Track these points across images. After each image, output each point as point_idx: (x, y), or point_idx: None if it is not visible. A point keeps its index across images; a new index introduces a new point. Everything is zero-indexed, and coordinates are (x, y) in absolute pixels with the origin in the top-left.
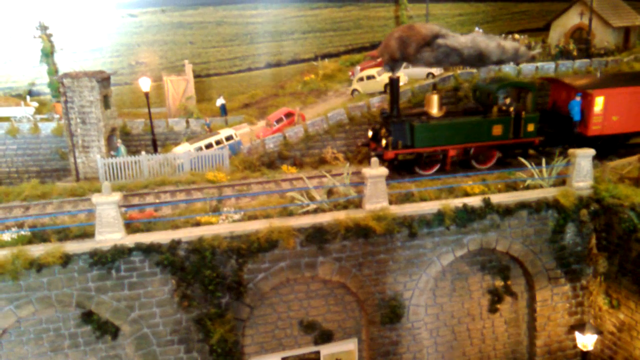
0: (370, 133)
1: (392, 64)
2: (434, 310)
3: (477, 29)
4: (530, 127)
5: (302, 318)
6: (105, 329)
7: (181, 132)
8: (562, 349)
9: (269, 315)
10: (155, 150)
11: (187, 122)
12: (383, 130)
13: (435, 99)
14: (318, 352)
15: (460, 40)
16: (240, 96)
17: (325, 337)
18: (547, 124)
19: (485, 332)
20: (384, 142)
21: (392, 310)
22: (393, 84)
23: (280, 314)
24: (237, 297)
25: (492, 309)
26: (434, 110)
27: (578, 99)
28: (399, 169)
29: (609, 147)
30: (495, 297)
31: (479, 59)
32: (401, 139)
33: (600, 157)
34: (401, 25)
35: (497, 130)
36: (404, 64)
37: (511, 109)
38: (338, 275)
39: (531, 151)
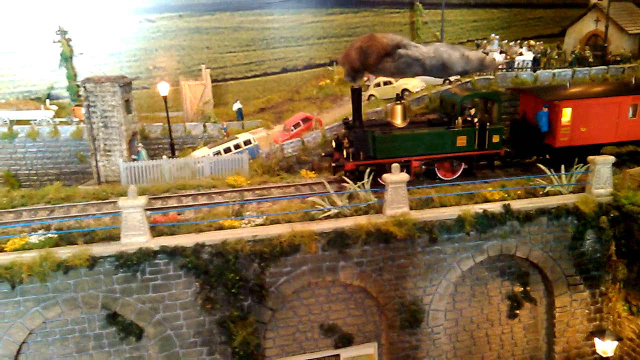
0: (333, 143)
1: (353, 74)
2: (453, 315)
3: (492, 35)
4: (496, 138)
5: (323, 321)
6: (130, 331)
7: (198, 136)
8: (581, 355)
9: (290, 319)
10: (173, 154)
11: (205, 126)
12: (346, 141)
13: (398, 109)
14: (338, 356)
15: (422, 50)
16: (255, 101)
17: (345, 340)
18: (517, 135)
19: (504, 337)
20: (345, 152)
21: (412, 315)
22: (355, 94)
23: (301, 317)
24: (259, 300)
25: (511, 315)
26: (397, 120)
27: (545, 110)
28: (360, 180)
29: (578, 158)
30: (515, 303)
31: (442, 69)
32: (363, 149)
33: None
34: (362, 35)
35: (461, 141)
36: None
37: (475, 120)
38: (359, 280)
39: (497, 162)
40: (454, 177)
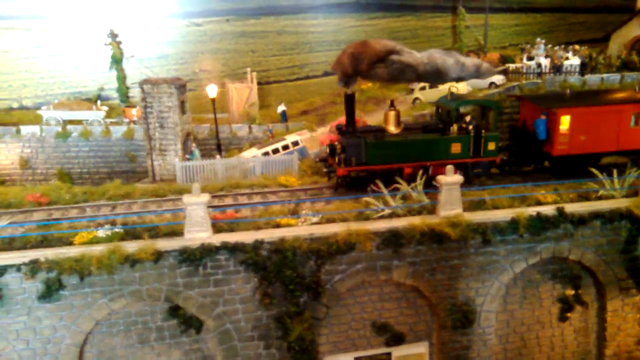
0: (328, 149)
1: (346, 79)
2: (504, 316)
3: (538, 39)
4: (491, 146)
5: (375, 320)
6: (190, 324)
7: (244, 137)
8: (632, 359)
9: (343, 316)
10: (220, 155)
11: (250, 128)
12: (339, 146)
13: (392, 115)
14: (389, 354)
15: (416, 56)
16: (298, 103)
17: (397, 339)
18: (515, 142)
19: (554, 340)
20: (337, 158)
21: (464, 315)
22: (348, 100)
23: (354, 315)
24: (315, 297)
25: (562, 318)
26: (391, 127)
27: (543, 117)
28: (353, 186)
29: (577, 167)
30: (566, 306)
31: (437, 75)
32: (355, 155)
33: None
34: (355, 41)
35: (455, 148)
36: None
37: (470, 127)
38: (412, 279)
39: (494, 170)
40: None
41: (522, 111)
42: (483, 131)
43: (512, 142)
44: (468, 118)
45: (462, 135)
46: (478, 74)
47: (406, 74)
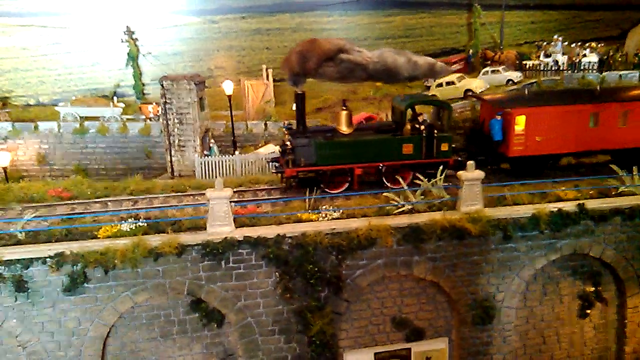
0: (279, 149)
1: (294, 78)
2: (524, 313)
3: (555, 37)
4: (445, 147)
5: (395, 315)
6: (212, 317)
7: (259, 134)
8: None
9: (363, 311)
10: (235, 151)
11: (266, 124)
12: (289, 146)
13: (343, 115)
14: (409, 349)
15: (366, 55)
16: (312, 100)
17: (417, 334)
18: (473, 143)
19: (574, 337)
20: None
21: (485, 311)
22: (298, 99)
23: (374, 310)
24: (335, 292)
25: (582, 314)
26: (343, 127)
27: (498, 117)
28: (305, 187)
29: (535, 168)
30: (586, 303)
31: (388, 74)
32: (304, 156)
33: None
34: (304, 40)
35: (407, 149)
36: (485, 70)
37: (422, 127)
38: (432, 275)
39: (449, 171)
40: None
41: (481, 112)
42: (435, 132)
43: (469, 143)
44: (421, 118)
45: (413, 136)
46: (432, 73)
47: (356, 73)
